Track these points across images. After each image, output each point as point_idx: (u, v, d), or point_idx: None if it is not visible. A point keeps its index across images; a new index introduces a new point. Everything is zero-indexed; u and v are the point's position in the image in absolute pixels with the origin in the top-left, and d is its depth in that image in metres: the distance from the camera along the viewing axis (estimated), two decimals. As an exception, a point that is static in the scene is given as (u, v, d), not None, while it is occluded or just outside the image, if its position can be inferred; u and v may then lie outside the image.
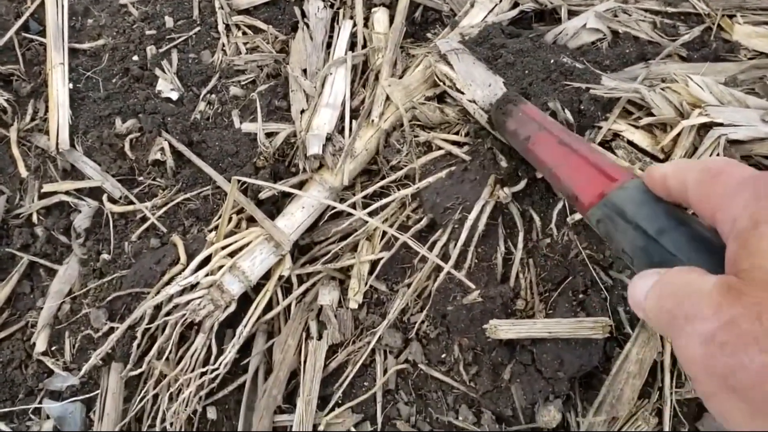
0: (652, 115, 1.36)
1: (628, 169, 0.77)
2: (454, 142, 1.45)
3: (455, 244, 1.33)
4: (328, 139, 1.43)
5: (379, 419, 1.34)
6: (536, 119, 1.11)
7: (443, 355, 1.37)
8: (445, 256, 1.34)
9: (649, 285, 0.51)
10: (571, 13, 1.58)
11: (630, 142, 1.37)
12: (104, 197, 1.54)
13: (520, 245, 1.33)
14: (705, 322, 0.42)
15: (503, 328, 1.26)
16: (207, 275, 1.35)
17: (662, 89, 1.36)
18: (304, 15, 1.74)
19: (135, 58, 1.72)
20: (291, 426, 1.34)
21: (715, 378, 0.42)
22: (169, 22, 1.78)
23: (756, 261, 0.42)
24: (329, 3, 1.74)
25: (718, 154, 1.31)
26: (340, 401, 1.37)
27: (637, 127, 1.37)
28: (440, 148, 1.45)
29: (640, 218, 0.64)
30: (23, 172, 1.58)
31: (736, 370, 0.40)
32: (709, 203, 0.52)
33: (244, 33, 1.77)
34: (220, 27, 1.76)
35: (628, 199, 0.69)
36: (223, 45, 1.74)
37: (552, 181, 0.98)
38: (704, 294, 0.44)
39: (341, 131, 1.46)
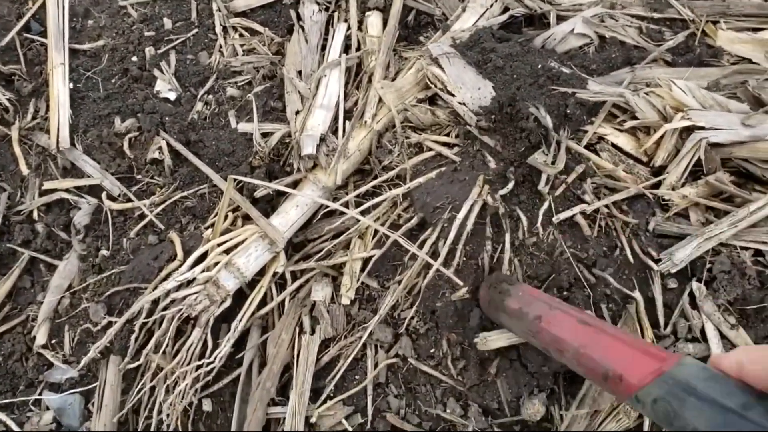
0: (636, 118, 1.40)
1: (669, 351, 0.78)
2: (444, 144, 1.49)
3: (444, 243, 1.37)
4: (322, 139, 1.47)
5: (370, 411, 1.38)
6: (543, 299, 1.10)
7: (432, 350, 1.41)
8: (434, 254, 1.38)
9: None
10: (560, 18, 1.63)
11: (614, 145, 1.42)
12: (103, 195, 1.58)
13: (508, 244, 1.36)
14: None
15: (492, 338, 1.29)
16: (203, 271, 1.39)
17: (646, 93, 1.41)
18: (299, 18, 1.78)
19: (134, 58, 1.76)
20: (284, 418, 1.37)
21: None
22: (167, 23, 1.81)
23: None
24: (324, 6, 1.78)
25: (699, 157, 1.36)
26: (331, 394, 1.41)
27: (621, 131, 1.42)
28: (431, 149, 1.49)
29: (717, 394, 0.62)
30: (24, 170, 1.62)
31: None
32: None
33: (241, 35, 1.81)
34: (218, 29, 1.80)
35: (692, 375, 0.66)
36: (221, 46, 1.78)
37: (577, 361, 0.92)
38: None
39: (335, 132, 1.51)
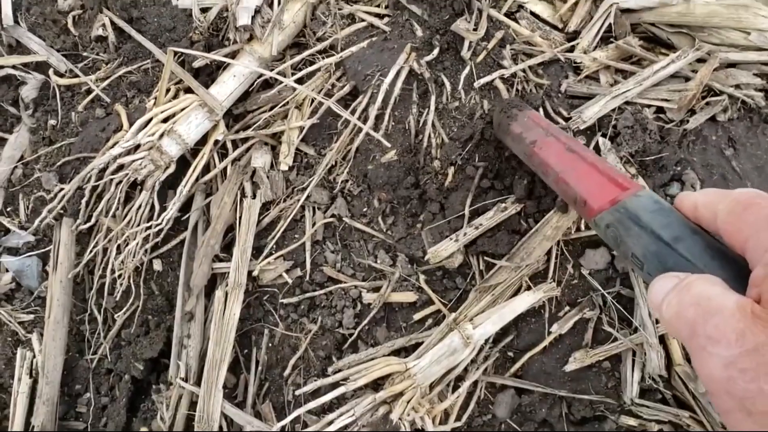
0: (553, -14, 1.48)
1: (635, 181, 0.85)
2: (375, 14, 1.56)
3: (373, 108, 1.46)
4: (257, 11, 1.52)
5: (308, 265, 1.51)
6: (542, 125, 1.17)
7: (365, 209, 1.52)
8: (365, 120, 1.48)
9: (668, 288, 0.55)
10: None
11: (532, 13, 1.50)
12: (50, 71, 1.63)
13: (432, 108, 1.46)
14: (728, 347, 0.45)
15: (442, 249, 1.38)
16: (148, 137, 1.47)
17: (563, -38, 1.48)
18: None
19: (74, -62, 1.77)
20: (228, 272, 1.49)
21: (733, 399, 0.44)
22: None
23: None
24: None
25: (610, 23, 1.44)
26: (272, 251, 1.53)
27: (539, -1, 1.49)
28: (363, 20, 1.56)
29: (656, 225, 0.67)
30: (-30, 48, 1.66)
31: (754, 395, 0.43)
32: (740, 232, 0.54)
33: None
34: None
35: (642, 206, 0.72)
36: (160, -75, 1.79)
37: (556, 184, 1.02)
38: (727, 315, 0.46)
39: (270, 4, 1.56)
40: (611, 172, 0.88)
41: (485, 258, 1.39)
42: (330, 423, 1.24)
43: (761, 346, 0.42)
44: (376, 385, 1.33)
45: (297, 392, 1.39)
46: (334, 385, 1.30)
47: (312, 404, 1.27)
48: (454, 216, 1.41)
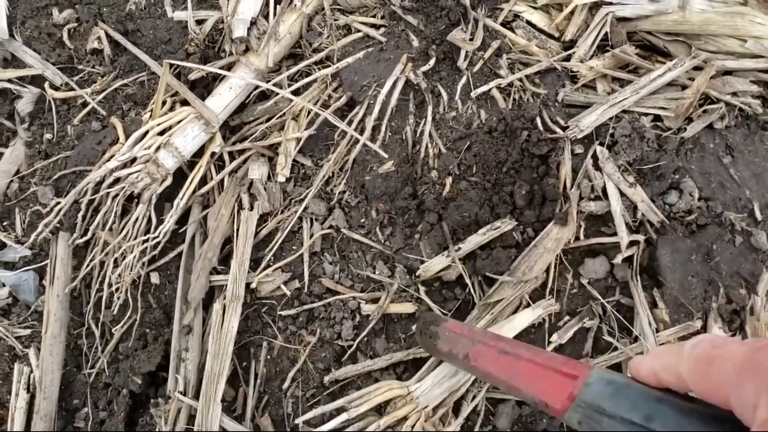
0: (549, -5, 1.48)
1: (580, 362, 0.79)
2: (371, 25, 1.56)
3: (370, 119, 1.46)
4: (253, 23, 1.53)
5: (306, 277, 1.50)
6: (465, 335, 1.11)
7: (363, 220, 1.52)
8: (362, 131, 1.47)
9: None
10: None
11: (528, 22, 1.50)
12: (46, 84, 1.63)
13: (429, 118, 1.46)
14: None
15: (433, 264, 1.40)
16: (144, 150, 1.47)
17: (558, -29, 1.48)
18: None
19: (69, -49, 1.77)
20: (226, 285, 1.49)
21: None
22: None
23: None
24: None
25: (606, 31, 1.45)
26: (270, 263, 1.52)
27: (535, 8, 1.50)
28: (358, 31, 1.56)
29: (622, 410, 0.64)
30: (-35, 62, 1.66)
31: None
32: (716, 390, 0.52)
33: (175, -74, 1.83)
34: None
35: (598, 394, 0.69)
36: (155, -62, 1.80)
37: (512, 392, 0.95)
38: None
39: (266, 16, 1.56)
40: (553, 362, 0.83)
41: (487, 277, 1.38)
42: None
43: None
44: (379, 406, 1.32)
45: (297, 420, 1.37)
46: (339, 410, 1.29)
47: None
48: (451, 226, 1.41)
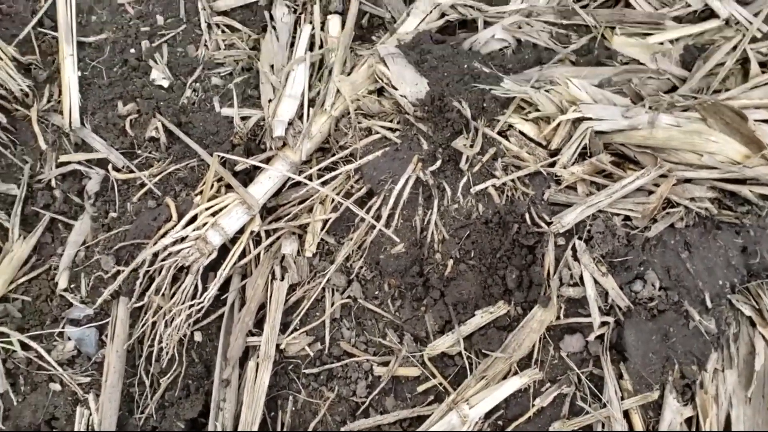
0: (538, 110, 1.76)
1: None
2: (388, 128, 1.84)
3: (386, 208, 1.73)
4: (290, 123, 1.82)
5: (327, 340, 1.76)
6: None
7: (377, 292, 1.78)
8: (378, 218, 1.75)
9: None
10: (487, 23, 1.97)
11: (521, 132, 1.78)
12: (110, 166, 1.92)
13: (435, 209, 1.73)
14: None
15: (439, 344, 1.68)
16: (194, 230, 1.74)
17: (547, 90, 1.76)
18: (272, 18, 2.09)
19: (132, 50, 2.07)
20: (259, 345, 1.75)
21: None
22: (159, 20, 2.12)
23: None
24: (293, 9, 2.10)
25: (586, 143, 1.72)
26: (297, 327, 1.78)
27: (526, 120, 1.78)
28: (378, 133, 1.84)
29: None
30: (43, 145, 1.95)
31: None
32: None
33: (223, 31, 2.13)
34: (203, 25, 2.11)
35: None
36: (206, 41, 2.10)
37: None
38: None
39: (300, 117, 1.85)
40: None
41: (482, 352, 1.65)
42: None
43: None
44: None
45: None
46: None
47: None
48: (452, 302, 1.68)
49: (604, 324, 1.62)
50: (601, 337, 1.63)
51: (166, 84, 2.02)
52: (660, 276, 1.64)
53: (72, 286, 1.87)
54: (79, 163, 1.93)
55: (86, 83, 2.03)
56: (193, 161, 1.91)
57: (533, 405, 1.64)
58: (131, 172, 1.92)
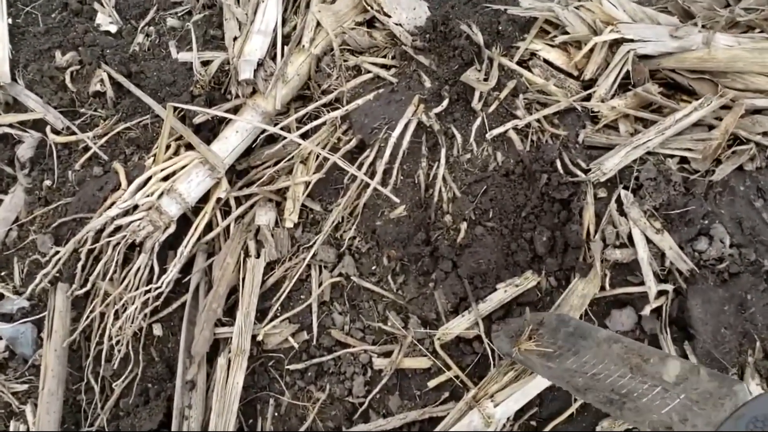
0: (567, 33, 1.43)
1: None
2: (381, 65, 1.52)
3: (381, 162, 1.40)
4: (260, 64, 1.48)
5: (315, 328, 1.43)
6: None
7: (374, 267, 1.46)
8: (372, 174, 1.42)
9: None
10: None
11: (546, 61, 1.45)
12: (47, 128, 1.59)
13: (443, 161, 1.40)
14: None
15: (453, 326, 1.34)
16: (146, 197, 1.41)
17: (576, 8, 1.43)
18: (238, -55, 1.76)
19: (74, -8, 1.75)
20: (231, 337, 1.42)
21: None
22: (106, -44, 1.80)
23: None
24: (262, -68, 1.76)
25: (627, 69, 1.39)
26: (277, 313, 1.46)
27: (552, 46, 1.45)
28: (369, 72, 1.51)
29: None
30: (-35, 106, 1.62)
31: None
32: None
33: (180, -35, 1.80)
34: (156, -40, 1.79)
35: None
36: (160, -22, 1.77)
37: None
38: None
39: (273, 57, 1.52)
40: None
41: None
42: None
43: None
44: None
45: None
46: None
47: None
48: (468, 274, 1.34)
49: (661, 294, 1.28)
50: (658, 311, 1.30)
51: (113, 29, 1.70)
52: (730, 230, 1.30)
53: (3, 273, 1.54)
54: (10, 125, 1.60)
55: (18, 32, 1.71)
56: (146, 118, 1.58)
57: (575, 400, 1.30)
58: (73, 133, 1.59)
